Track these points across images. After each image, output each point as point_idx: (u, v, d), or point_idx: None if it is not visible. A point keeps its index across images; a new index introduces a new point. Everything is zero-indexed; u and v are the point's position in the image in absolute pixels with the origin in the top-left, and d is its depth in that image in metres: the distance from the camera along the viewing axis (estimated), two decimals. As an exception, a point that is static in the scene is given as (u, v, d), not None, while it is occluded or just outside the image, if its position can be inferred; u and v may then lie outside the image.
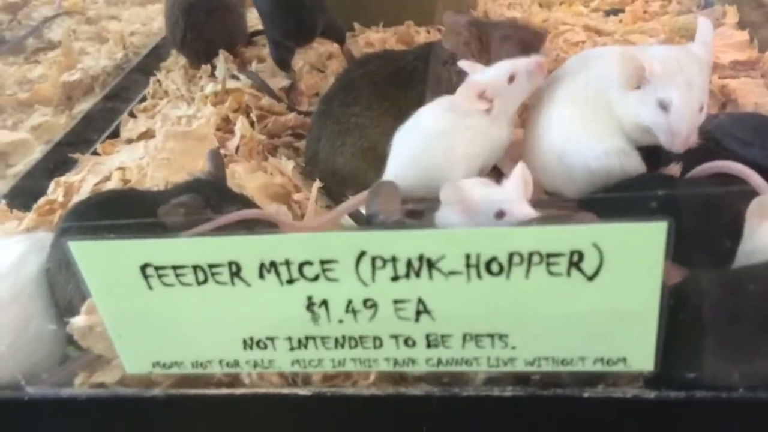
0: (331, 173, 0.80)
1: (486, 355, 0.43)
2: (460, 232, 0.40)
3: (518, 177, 0.57)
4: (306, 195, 0.77)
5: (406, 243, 0.39)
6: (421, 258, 0.39)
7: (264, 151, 0.88)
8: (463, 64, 0.73)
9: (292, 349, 0.45)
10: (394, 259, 0.40)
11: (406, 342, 0.43)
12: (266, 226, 0.63)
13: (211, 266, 0.41)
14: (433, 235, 0.40)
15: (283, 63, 1.05)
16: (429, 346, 0.43)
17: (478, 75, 0.71)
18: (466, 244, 0.39)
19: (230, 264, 0.41)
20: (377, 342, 0.44)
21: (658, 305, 0.39)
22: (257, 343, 0.45)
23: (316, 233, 0.41)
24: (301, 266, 0.41)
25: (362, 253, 0.40)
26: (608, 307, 0.40)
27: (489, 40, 0.78)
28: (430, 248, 0.39)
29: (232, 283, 0.42)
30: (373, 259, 0.40)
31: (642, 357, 0.42)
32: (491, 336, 0.42)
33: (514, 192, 0.56)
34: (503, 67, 0.70)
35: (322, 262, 0.40)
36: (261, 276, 0.41)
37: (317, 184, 0.77)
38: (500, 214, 0.54)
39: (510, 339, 0.42)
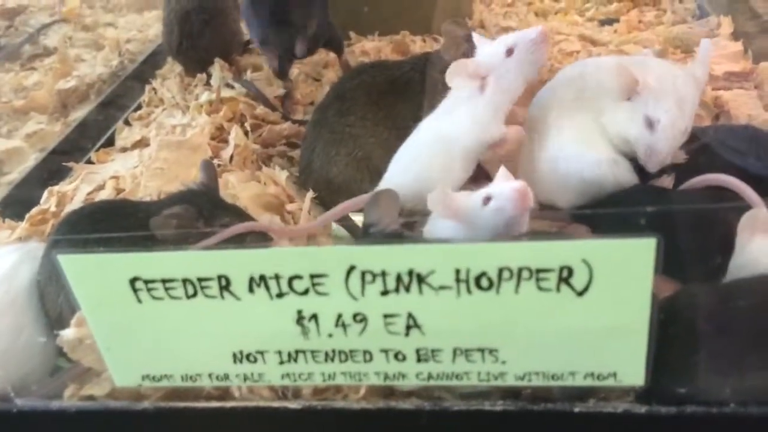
0: (325, 183, 0.80)
1: (476, 370, 0.43)
2: (450, 247, 0.39)
3: (501, 177, 0.58)
4: (300, 205, 0.77)
5: (396, 257, 0.39)
6: (410, 273, 0.39)
7: (258, 160, 0.88)
8: (476, 37, 0.72)
9: (282, 362, 0.45)
10: (383, 274, 0.40)
11: (396, 356, 0.43)
12: (258, 236, 0.63)
13: (200, 280, 0.41)
14: (422, 250, 0.39)
15: (282, 72, 1.05)
16: (419, 360, 0.43)
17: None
18: (455, 258, 0.39)
19: (220, 278, 0.41)
20: (367, 356, 0.44)
21: (647, 321, 0.39)
22: (247, 357, 0.45)
23: (306, 248, 0.40)
24: (290, 280, 0.41)
25: (352, 268, 0.40)
26: (598, 323, 0.40)
27: None
28: (419, 263, 0.39)
29: (222, 296, 0.42)
30: (363, 274, 0.40)
31: (632, 372, 0.41)
32: (481, 350, 0.42)
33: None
34: (501, 40, 0.69)
35: (312, 276, 0.40)
36: (251, 290, 0.41)
37: (310, 194, 0.77)
38: (487, 199, 0.55)
39: (500, 354, 0.42)
